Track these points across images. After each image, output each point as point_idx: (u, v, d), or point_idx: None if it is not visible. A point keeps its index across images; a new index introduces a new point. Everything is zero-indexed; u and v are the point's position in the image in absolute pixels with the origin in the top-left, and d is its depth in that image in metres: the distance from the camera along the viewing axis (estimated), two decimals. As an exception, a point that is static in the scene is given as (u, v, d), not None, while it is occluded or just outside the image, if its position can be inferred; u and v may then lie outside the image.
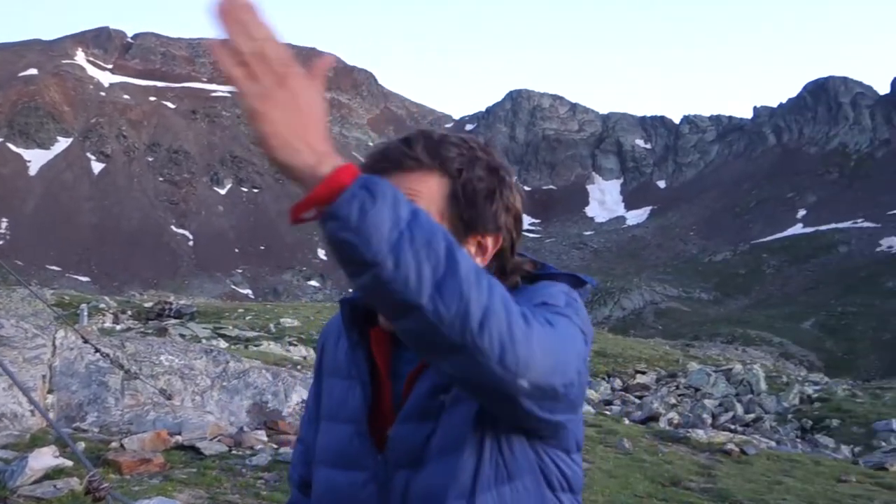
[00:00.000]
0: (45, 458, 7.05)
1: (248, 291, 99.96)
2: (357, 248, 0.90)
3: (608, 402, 15.70)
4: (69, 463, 7.14)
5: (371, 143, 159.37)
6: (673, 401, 16.14)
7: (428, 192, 1.15)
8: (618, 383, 19.44)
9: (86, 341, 9.43)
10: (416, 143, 1.17)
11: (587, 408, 14.00)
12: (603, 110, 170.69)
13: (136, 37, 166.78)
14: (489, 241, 1.19)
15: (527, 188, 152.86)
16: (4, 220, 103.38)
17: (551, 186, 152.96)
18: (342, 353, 1.30)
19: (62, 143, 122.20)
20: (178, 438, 9.63)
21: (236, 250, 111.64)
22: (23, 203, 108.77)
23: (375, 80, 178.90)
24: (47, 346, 9.63)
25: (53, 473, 6.82)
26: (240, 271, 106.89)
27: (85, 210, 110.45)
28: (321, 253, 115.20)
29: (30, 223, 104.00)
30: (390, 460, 1.18)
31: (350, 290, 1.23)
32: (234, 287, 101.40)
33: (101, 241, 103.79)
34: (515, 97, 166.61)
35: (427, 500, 1.14)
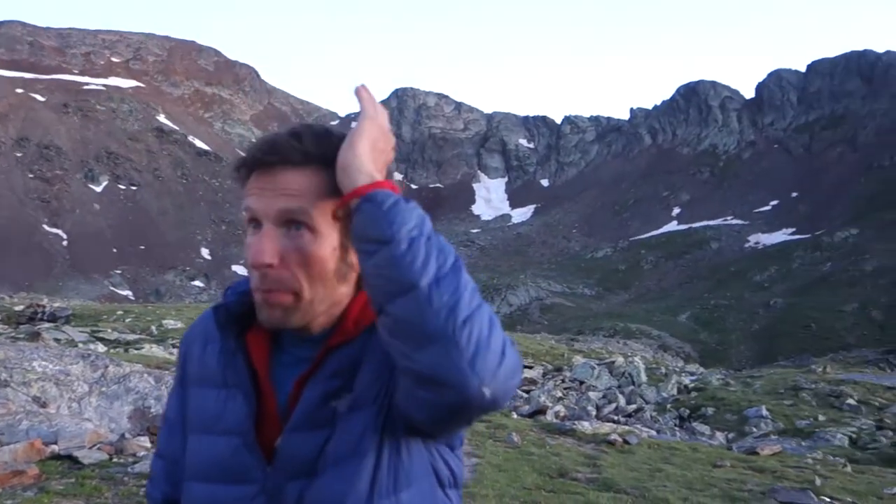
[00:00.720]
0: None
1: (128, 293, 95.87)
2: (380, 224, 0.99)
3: (497, 398, 16.09)
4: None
5: (254, 140, 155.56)
6: (559, 394, 16.71)
7: (318, 188, 1.12)
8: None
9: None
10: (304, 137, 1.14)
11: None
12: (487, 109, 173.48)
13: (0, 25, 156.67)
14: None
15: (414, 186, 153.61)
16: None
17: (438, 185, 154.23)
18: (212, 359, 1.22)
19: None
20: (55, 448, 9.25)
21: (114, 250, 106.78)
22: None
23: (258, 76, 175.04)
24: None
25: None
26: (119, 272, 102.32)
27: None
28: (205, 252, 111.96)
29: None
30: (281, 471, 1.12)
31: (225, 295, 1.24)
32: (112, 288, 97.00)
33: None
34: (401, 95, 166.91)
35: None
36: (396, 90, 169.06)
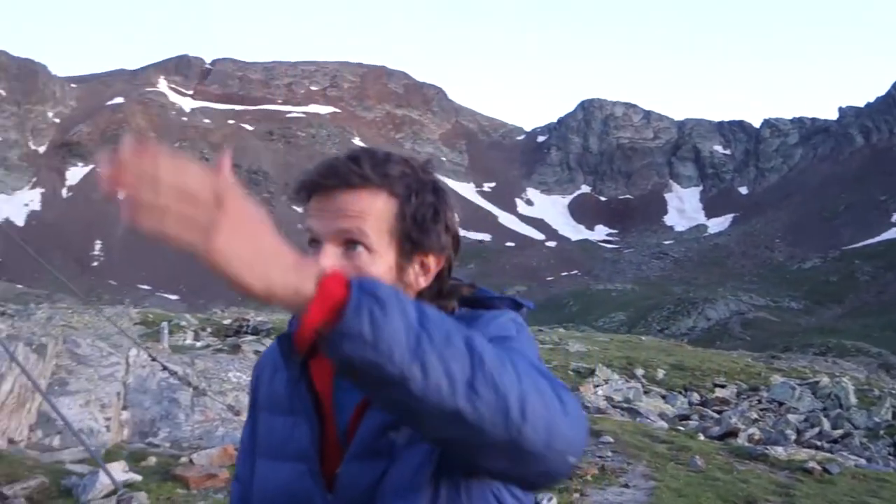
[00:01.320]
0: (115, 473, 7.22)
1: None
2: (381, 366, 0.84)
3: (684, 417, 15.15)
4: (138, 478, 7.29)
5: (444, 159, 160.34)
6: (754, 416, 15.47)
7: (376, 211, 1.12)
8: (695, 397, 18.79)
9: (153, 359, 9.67)
10: (363, 160, 1.14)
11: (660, 423, 13.57)
12: (678, 117, 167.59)
13: (214, 63, 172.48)
14: (432, 262, 1.18)
15: (602, 198, 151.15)
16: (98, 242, 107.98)
17: (628, 196, 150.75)
18: (280, 386, 1.25)
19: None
20: (245, 455, 9.74)
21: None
22: (114, 226, 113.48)
23: (445, 95, 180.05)
24: (121, 364, 9.90)
25: (124, 487, 6.98)
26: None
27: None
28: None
29: (121, 245, 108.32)
30: (341, 500, 1.14)
31: (290, 324, 1.21)
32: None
33: (188, 260, 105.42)
34: (587, 107, 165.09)
35: None
36: (583, 102, 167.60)
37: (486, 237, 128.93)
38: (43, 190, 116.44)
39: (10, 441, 8.42)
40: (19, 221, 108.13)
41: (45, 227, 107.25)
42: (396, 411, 0.91)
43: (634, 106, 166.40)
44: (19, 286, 66.43)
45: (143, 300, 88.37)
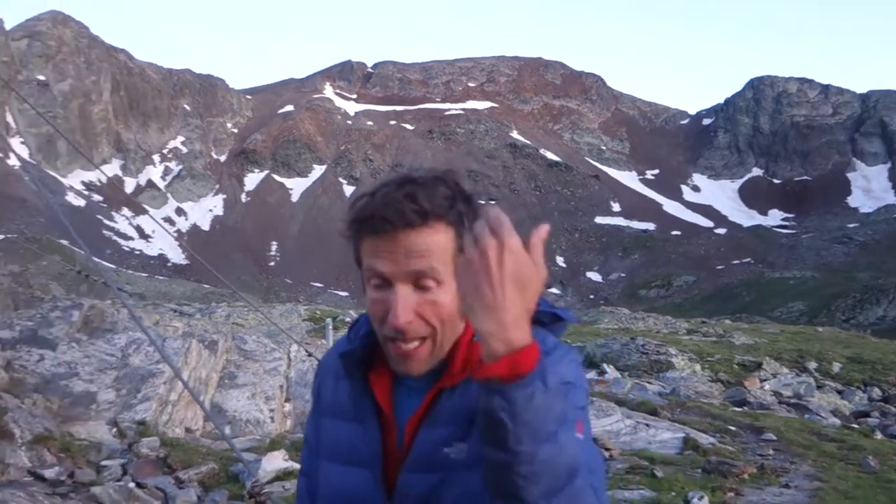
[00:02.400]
0: (276, 461, 7.70)
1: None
2: (508, 433, 0.94)
3: (863, 415, 14.04)
4: (297, 466, 7.74)
5: (604, 147, 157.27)
6: (945, 412, 14.15)
7: (441, 244, 1.17)
8: (876, 393, 17.38)
9: (310, 355, 10.20)
10: (418, 195, 1.16)
11: (832, 420, 12.71)
12: (860, 89, 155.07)
13: (375, 66, 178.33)
14: None
15: (777, 181, 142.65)
16: (274, 243, 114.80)
17: (805, 177, 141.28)
18: (343, 395, 1.33)
19: (317, 171, 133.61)
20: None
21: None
22: (288, 227, 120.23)
23: (604, 83, 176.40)
24: (283, 359, 10.54)
25: (283, 475, 7.43)
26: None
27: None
28: (560, 260, 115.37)
29: (294, 245, 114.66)
30: None
31: (349, 338, 1.34)
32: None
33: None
34: (757, 85, 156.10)
35: None
36: (752, 80, 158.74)
37: (650, 226, 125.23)
38: (224, 196, 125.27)
39: (187, 430, 9.18)
40: (205, 226, 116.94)
41: (227, 231, 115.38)
42: (486, 466, 1.00)
43: (810, 81, 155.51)
44: (206, 286, 71.79)
45: (316, 297, 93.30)
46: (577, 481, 0.96)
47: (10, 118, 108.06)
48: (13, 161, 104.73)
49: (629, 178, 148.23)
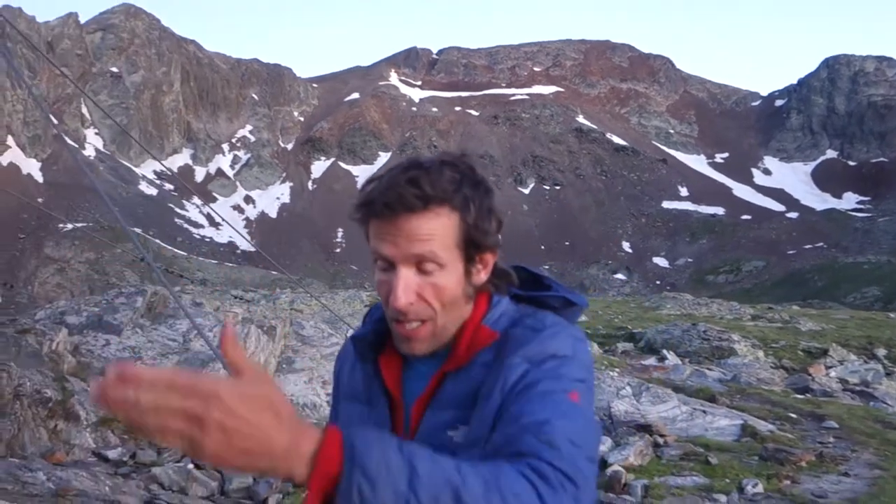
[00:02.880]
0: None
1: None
2: None
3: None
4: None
5: (672, 131, 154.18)
6: None
7: (443, 227, 1.19)
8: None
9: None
10: (421, 180, 1.18)
11: (883, 405, 12.31)
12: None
13: (440, 52, 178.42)
14: (489, 256, 1.27)
15: (851, 163, 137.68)
16: (340, 230, 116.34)
17: (882, 159, 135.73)
18: (357, 379, 1.38)
19: (383, 158, 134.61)
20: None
21: (542, 247, 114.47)
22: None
23: (673, 65, 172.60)
24: (340, 343, 10.79)
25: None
26: (546, 267, 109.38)
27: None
28: (626, 245, 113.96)
29: (360, 232, 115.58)
30: None
31: (364, 324, 1.38)
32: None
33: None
34: (832, 64, 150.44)
35: None
36: (826, 59, 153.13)
37: (719, 210, 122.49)
38: (292, 184, 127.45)
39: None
40: (272, 213, 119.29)
41: (295, 218, 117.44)
42: None
43: (889, 59, 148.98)
44: (274, 273, 73.26)
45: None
46: (467, 499, 0.90)
47: (84, 110, 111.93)
48: (89, 151, 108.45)
49: (697, 162, 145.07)
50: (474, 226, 1.21)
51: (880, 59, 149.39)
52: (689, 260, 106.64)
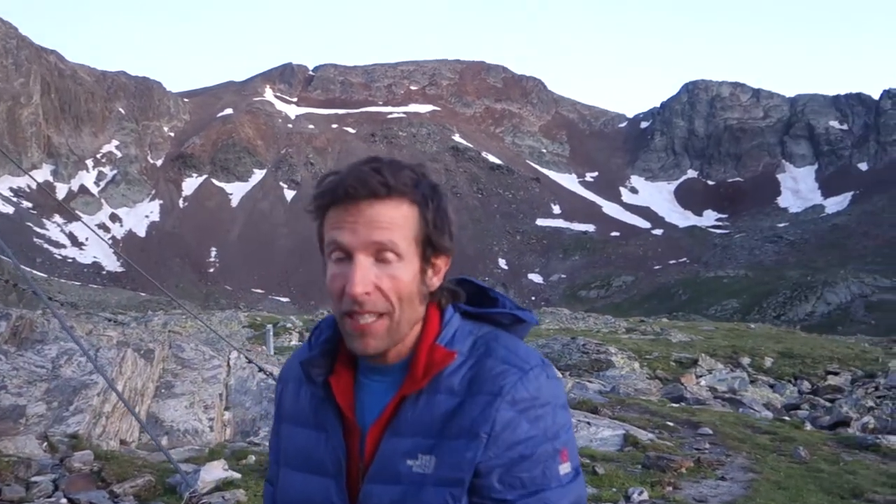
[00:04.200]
0: (215, 471, 7.54)
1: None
2: None
3: (794, 407, 14.52)
4: (237, 475, 7.59)
5: (544, 150, 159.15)
6: (870, 404, 14.69)
7: (403, 218, 1.17)
8: (806, 386, 17.98)
9: (250, 361, 10.06)
10: (384, 170, 1.18)
11: (765, 413, 13.08)
12: (789, 93, 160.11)
13: (316, 69, 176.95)
14: (441, 262, 1.24)
15: (711, 182, 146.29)
16: (213, 248, 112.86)
17: (738, 178, 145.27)
18: (305, 401, 1.31)
19: (258, 175, 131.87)
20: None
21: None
22: (228, 232, 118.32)
23: (545, 87, 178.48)
24: (222, 366, 10.36)
25: (223, 485, 7.28)
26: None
27: (281, 235, 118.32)
28: (502, 262, 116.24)
29: (235, 250, 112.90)
30: None
31: (310, 345, 1.31)
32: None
33: (298, 263, 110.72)
34: (692, 89, 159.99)
35: None
36: (687, 84, 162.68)
37: (589, 227, 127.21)
38: (161, 201, 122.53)
39: (122, 442, 8.95)
40: (141, 232, 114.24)
41: (165, 236, 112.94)
42: None
43: (742, 85, 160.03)
44: (143, 294, 70.21)
45: (257, 303, 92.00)
46: None
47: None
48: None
49: (569, 181, 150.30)
50: (433, 224, 1.20)
51: (735, 84, 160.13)
52: (563, 276, 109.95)
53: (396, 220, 1.16)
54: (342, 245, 1.17)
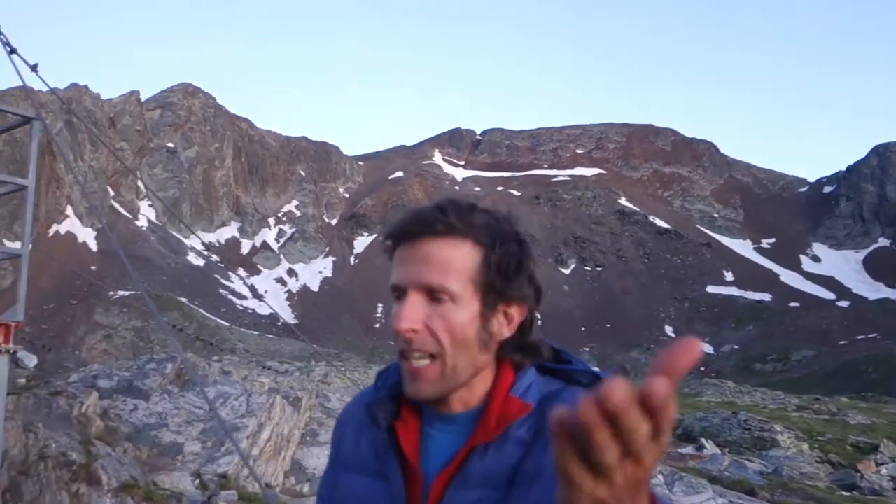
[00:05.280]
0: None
1: (595, 370, 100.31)
2: None
3: None
4: None
5: (716, 215, 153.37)
6: None
7: (461, 259, 1.14)
8: None
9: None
10: (448, 209, 1.16)
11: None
12: None
13: (483, 133, 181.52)
14: (515, 312, 1.18)
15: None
16: (380, 305, 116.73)
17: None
18: (366, 447, 1.27)
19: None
20: None
21: (583, 329, 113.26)
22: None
23: (717, 150, 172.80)
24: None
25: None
26: (587, 349, 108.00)
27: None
28: (669, 329, 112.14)
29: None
30: None
31: (376, 387, 1.27)
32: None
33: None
34: (882, 151, 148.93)
35: None
36: (877, 147, 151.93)
37: (765, 297, 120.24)
38: (334, 258, 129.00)
39: (267, 485, 9.36)
40: (314, 287, 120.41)
41: (336, 291, 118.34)
42: None
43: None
44: (314, 346, 73.38)
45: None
46: None
47: (140, 184, 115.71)
48: (142, 222, 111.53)
49: (743, 247, 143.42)
50: (497, 269, 1.15)
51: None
52: (735, 347, 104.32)
53: (453, 260, 1.14)
54: (397, 284, 1.17)
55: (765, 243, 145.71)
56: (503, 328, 1.18)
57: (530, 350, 1.22)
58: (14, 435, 7.83)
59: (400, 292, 1.17)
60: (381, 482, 1.22)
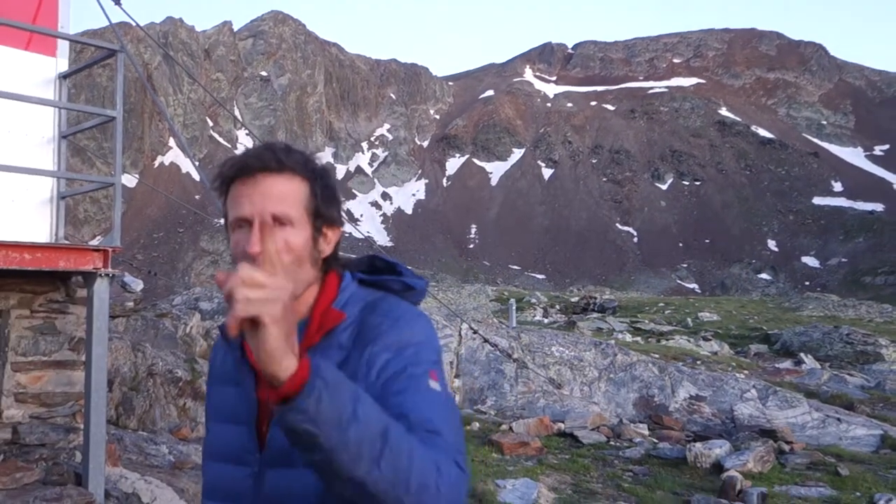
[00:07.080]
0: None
1: (694, 286, 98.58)
2: (317, 436, 1.04)
3: None
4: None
5: (824, 122, 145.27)
6: None
7: (295, 190, 1.34)
8: None
9: (475, 332, 10.37)
10: (276, 149, 1.35)
11: None
12: None
13: (575, 47, 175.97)
14: (333, 232, 1.41)
15: None
16: (473, 226, 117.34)
17: None
18: (229, 364, 1.46)
19: (517, 154, 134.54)
20: (561, 426, 10.09)
21: (680, 245, 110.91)
22: (487, 210, 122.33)
23: (826, 52, 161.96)
24: (454, 336, 10.85)
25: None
26: (685, 266, 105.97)
27: (538, 213, 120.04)
28: (771, 244, 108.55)
29: (493, 228, 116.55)
30: (267, 458, 1.34)
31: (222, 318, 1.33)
32: (679, 282, 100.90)
33: (554, 241, 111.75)
34: None
35: (292, 499, 1.30)
36: None
37: (877, 207, 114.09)
38: (427, 180, 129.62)
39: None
40: (408, 210, 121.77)
41: (430, 214, 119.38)
42: (316, 468, 1.10)
43: None
44: (409, 267, 74.79)
45: (513, 279, 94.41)
46: (391, 437, 1.09)
47: (237, 112, 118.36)
48: (240, 152, 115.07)
49: (853, 155, 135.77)
50: (321, 197, 1.36)
51: None
52: (843, 260, 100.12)
53: (288, 192, 1.33)
54: (242, 217, 1.32)
55: (878, 150, 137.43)
56: (325, 247, 1.39)
57: (342, 264, 1.46)
58: (124, 354, 8.38)
59: (245, 223, 1.32)
60: (239, 388, 1.41)
